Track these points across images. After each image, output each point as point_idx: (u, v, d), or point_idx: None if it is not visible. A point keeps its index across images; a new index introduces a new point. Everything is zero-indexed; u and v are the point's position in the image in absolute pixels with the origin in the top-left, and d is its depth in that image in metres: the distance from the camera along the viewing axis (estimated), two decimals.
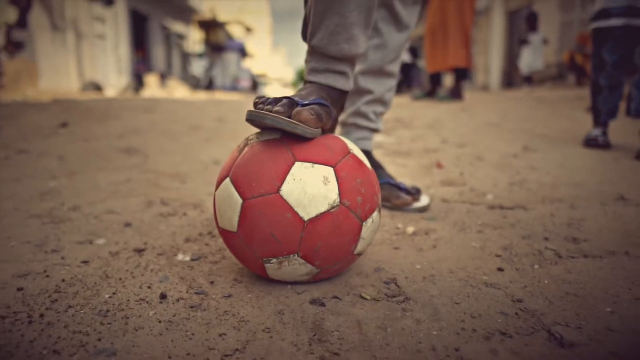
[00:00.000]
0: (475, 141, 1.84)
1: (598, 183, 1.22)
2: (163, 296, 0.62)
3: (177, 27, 18.97)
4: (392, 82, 1.02)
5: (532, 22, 5.94)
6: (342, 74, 0.76)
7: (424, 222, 0.94)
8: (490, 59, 14.65)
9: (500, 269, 0.71)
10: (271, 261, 0.61)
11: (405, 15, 0.97)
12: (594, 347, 0.51)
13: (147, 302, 0.61)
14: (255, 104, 0.64)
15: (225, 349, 0.51)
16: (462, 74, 4.14)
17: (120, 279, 0.68)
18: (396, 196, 0.99)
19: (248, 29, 40.52)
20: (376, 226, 0.67)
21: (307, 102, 0.65)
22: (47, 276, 0.68)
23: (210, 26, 25.37)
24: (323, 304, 0.61)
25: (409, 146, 1.78)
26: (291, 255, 0.60)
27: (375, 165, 1.03)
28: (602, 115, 1.72)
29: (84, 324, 0.55)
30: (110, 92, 7.14)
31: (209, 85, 16.14)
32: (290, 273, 0.63)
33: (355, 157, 0.65)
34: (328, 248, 0.60)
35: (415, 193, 1.02)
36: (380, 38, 0.97)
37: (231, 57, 30.36)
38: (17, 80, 4.29)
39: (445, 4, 4.01)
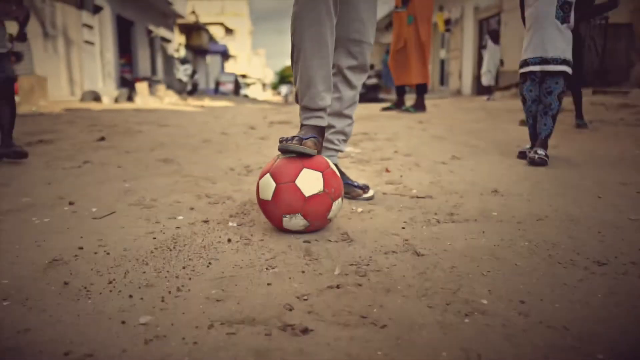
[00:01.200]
0: (418, 151, 2.50)
1: (487, 182, 1.87)
2: (229, 240, 1.24)
3: (161, 31, 19.28)
4: (349, 121, 1.64)
5: (494, 36, 6.69)
6: (321, 117, 1.40)
7: (368, 205, 1.57)
8: (463, 65, 15.36)
9: (403, 228, 1.35)
10: (286, 217, 1.24)
11: (354, 80, 1.60)
12: (437, 258, 1.14)
13: (222, 243, 1.23)
14: (280, 141, 1.27)
15: (265, 258, 1.13)
16: (423, 89, 4.83)
17: (202, 234, 1.29)
18: (352, 190, 1.63)
19: (228, 31, 40.74)
20: (340, 206, 1.30)
21: (307, 137, 1.29)
22: (163, 233, 1.29)
23: (193, 30, 25.63)
24: (309, 242, 1.24)
25: (369, 155, 2.42)
26: (297, 214, 1.23)
27: (340, 172, 1.66)
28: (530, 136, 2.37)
29: (196, 253, 1.16)
30: (106, 100, 7.64)
31: (193, 90, 16.58)
32: (294, 225, 1.25)
33: (332, 169, 1.29)
34: (315, 212, 1.23)
35: (365, 188, 1.65)
36: (338, 93, 1.60)
37: (214, 60, 30.65)
38: (32, 94, 4.82)
39: (405, 30, 4.70)
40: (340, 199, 1.30)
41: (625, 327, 0.82)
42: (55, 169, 2.08)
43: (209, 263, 1.10)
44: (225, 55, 32.94)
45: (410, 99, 5.32)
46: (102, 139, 2.80)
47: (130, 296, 0.93)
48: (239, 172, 2.07)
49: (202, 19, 28.49)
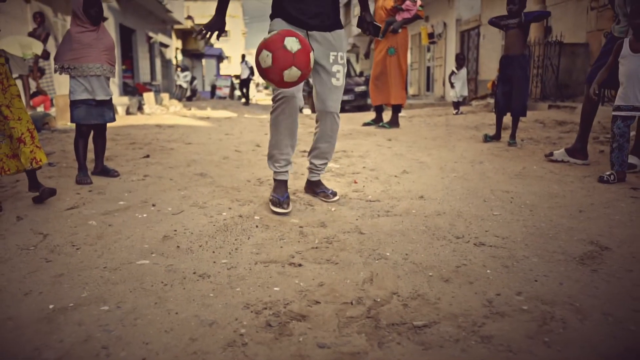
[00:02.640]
0: (380, 167, 3.47)
1: (419, 190, 2.84)
2: (256, 226, 2.20)
3: (160, 37, 20.11)
4: (326, 162, 2.59)
5: (460, 61, 7.72)
6: (286, 172, 2.37)
7: (338, 206, 2.54)
8: (446, 73, 16.33)
9: (356, 219, 2.31)
10: (284, 72, 1.88)
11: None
12: (371, 235, 2.11)
13: (252, 228, 2.18)
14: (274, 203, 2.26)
15: (278, 236, 2.09)
16: (398, 108, 5.82)
17: (240, 223, 2.24)
18: (326, 195, 2.59)
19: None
20: (313, 57, 2.07)
21: (284, 198, 2.26)
22: (218, 222, 2.24)
23: (189, 34, 26.42)
24: (302, 227, 2.20)
25: (345, 170, 3.39)
26: (291, 67, 1.88)
27: (319, 182, 2.62)
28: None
29: (240, 232, 2.12)
30: (119, 110, 8.53)
31: (192, 95, 17.46)
32: (292, 76, 1.90)
33: (298, 33, 1.97)
34: (302, 63, 1.89)
35: (334, 194, 2.61)
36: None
37: (209, 63, 31.46)
38: (65, 110, 5.72)
39: (387, 59, 5.68)
40: (312, 52, 1.96)
41: (449, 261, 1.79)
42: (127, 181, 3.02)
43: (248, 237, 2.06)
44: (220, 58, 33.83)
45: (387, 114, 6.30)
46: (147, 156, 3.75)
47: (213, 252, 1.89)
48: (254, 183, 3.03)
49: (197, 21, 29.29)
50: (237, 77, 20.96)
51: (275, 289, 1.59)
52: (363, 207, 2.52)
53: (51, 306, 1.46)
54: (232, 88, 23.09)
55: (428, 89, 18.76)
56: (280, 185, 2.43)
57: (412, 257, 1.86)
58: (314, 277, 1.68)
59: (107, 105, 3.04)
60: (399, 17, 5.53)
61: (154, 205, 2.52)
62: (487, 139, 4.54)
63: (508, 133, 4.47)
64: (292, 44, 1.90)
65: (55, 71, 2.94)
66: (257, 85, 27.38)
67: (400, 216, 2.38)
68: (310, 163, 2.61)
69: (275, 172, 2.45)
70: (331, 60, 2.38)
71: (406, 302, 1.50)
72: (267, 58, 1.90)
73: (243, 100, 17.50)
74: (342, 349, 1.24)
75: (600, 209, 2.48)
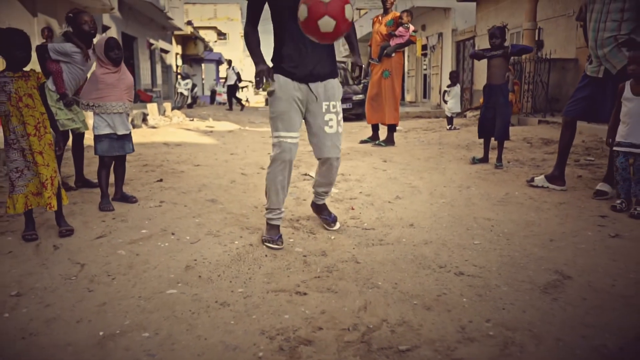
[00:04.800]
0: (375, 192, 3.79)
1: (410, 218, 3.16)
2: (265, 255, 2.51)
3: (160, 43, 20.42)
4: (329, 190, 2.90)
5: (453, 78, 8.09)
6: (280, 217, 2.69)
7: (337, 234, 2.85)
8: (442, 81, 16.66)
9: (353, 248, 2.62)
10: (318, 21, 2.03)
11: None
12: (366, 264, 2.43)
13: (262, 257, 2.49)
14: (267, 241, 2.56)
15: (285, 265, 2.40)
16: (393, 128, 6.16)
17: (251, 252, 2.56)
18: (328, 223, 2.90)
19: (221, 35, 41.71)
20: (351, 10, 2.10)
21: (277, 237, 2.57)
22: (232, 251, 2.56)
23: (189, 40, 26.72)
24: (306, 256, 2.52)
25: (343, 195, 3.71)
26: (325, 16, 2.02)
27: (324, 207, 2.94)
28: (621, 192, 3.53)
29: (252, 261, 2.43)
30: None
31: (193, 102, 17.78)
32: (326, 25, 2.04)
33: None
34: (334, 11, 2.03)
35: (335, 221, 2.92)
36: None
37: (209, 68, 31.76)
38: None
39: (382, 81, 6.02)
40: (349, 5, 2.08)
41: (432, 290, 2.11)
42: (146, 208, 3.34)
43: (259, 267, 2.38)
44: (220, 62, 34.17)
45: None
46: (160, 180, 4.07)
47: (230, 281, 2.21)
48: (260, 209, 3.35)
49: (195, 24, 29.67)
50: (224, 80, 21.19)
51: (286, 316, 1.91)
52: (359, 236, 2.84)
53: (101, 333, 1.77)
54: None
55: (425, 96, 19.13)
56: (274, 228, 2.68)
57: (400, 286, 2.18)
58: (317, 305, 2.00)
59: (127, 138, 3.36)
60: (392, 42, 5.87)
61: (173, 234, 2.84)
62: (474, 161, 4.87)
63: (496, 153, 4.80)
64: None
65: (80, 106, 3.26)
66: (242, 90, 27.67)
67: (392, 245, 2.69)
68: (315, 191, 2.91)
69: (269, 218, 2.69)
70: (324, 110, 2.58)
71: (394, 329, 1.82)
72: (303, 11, 2.09)
73: (231, 106, 17.75)
74: None
75: (569, 237, 2.81)
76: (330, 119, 2.60)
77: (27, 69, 2.66)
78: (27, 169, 2.62)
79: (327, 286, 2.17)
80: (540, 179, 3.90)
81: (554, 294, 2.12)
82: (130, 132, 3.39)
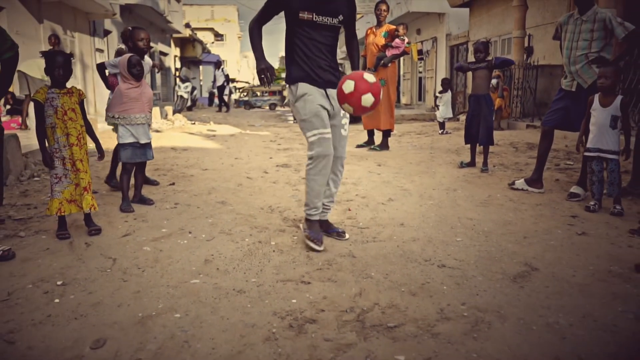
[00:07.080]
0: (370, 194, 4.16)
1: (401, 218, 3.52)
2: (273, 251, 2.87)
3: (160, 46, 20.72)
4: (333, 200, 3.25)
5: (445, 85, 8.48)
6: (317, 213, 3.02)
7: (339, 242, 3.21)
8: (437, 85, 17.06)
9: (350, 245, 2.99)
10: (363, 96, 2.42)
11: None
12: (360, 258, 2.79)
13: (270, 252, 2.85)
14: (311, 239, 2.92)
15: (291, 259, 2.76)
16: (387, 133, 6.53)
17: (261, 248, 2.91)
18: (339, 234, 3.23)
19: (218, 36, 42.02)
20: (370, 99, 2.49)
21: (319, 236, 2.96)
22: (243, 248, 2.91)
23: (187, 42, 27.02)
24: (309, 252, 2.88)
25: (340, 197, 4.06)
26: (367, 93, 2.42)
27: (329, 223, 3.28)
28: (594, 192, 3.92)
29: (261, 256, 2.79)
30: None
31: (192, 105, 18.12)
32: (368, 101, 2.43)
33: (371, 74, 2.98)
34: (376, 91, 2.46)
35: (344, 233, 3.26)
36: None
37: (207, 70, 32.06)
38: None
39: None
40: (369, 94, 2.43)
41: (417, 279, 2.47)
42: (163, 209, 3.69)
43: (269, 260, 2.73)
44: (218, 64, 34.47)
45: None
46: (173, 183, 4.42)
47: (244, 273, 2.56)
48: (266, 210, 3.71)
49: (192, 25, 30.00)
50: (232, 80, 21.54)
51: (293, 301, 2.27)
52: (355, 234, 3.20)
53: (140, 314, 2.13)
54: (230, 93, 23.75)
55: (420, 99, 19.51)
56: (315, 224, 2.94)
57: (390, 276, 2.54)
58: (319, 291, 2.36)
59: (148, 146, 3.72)
60: (388, 53, 6.24)
61: (190, 232, 3.19)
62: (462, 165, 5.24)
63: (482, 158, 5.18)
64: (368, 77, 2.48)
65: (106, 119, 3.62)
66: (238, 90, 28.14)
67: (384, 241, 3.06)
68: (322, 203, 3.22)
69: (310, 214, 2.93)
70: (341, 114, 2.90)
71: (384, 310, 2.18)
72: (350, 85, 2.44)
73: (224, 108, 18.08)
74: (340, 342, 1.92)
75: (541, 235, 3.18)
76: (345, 123, 2.94)
77: (68, 85, 3.02)
78: (64, 177, 2.98)
79: (327, 276, 2.53)
80: (520, 183, 4.27)
81: (522, 282, 2.48)
82: (150, 141, 3.74)
